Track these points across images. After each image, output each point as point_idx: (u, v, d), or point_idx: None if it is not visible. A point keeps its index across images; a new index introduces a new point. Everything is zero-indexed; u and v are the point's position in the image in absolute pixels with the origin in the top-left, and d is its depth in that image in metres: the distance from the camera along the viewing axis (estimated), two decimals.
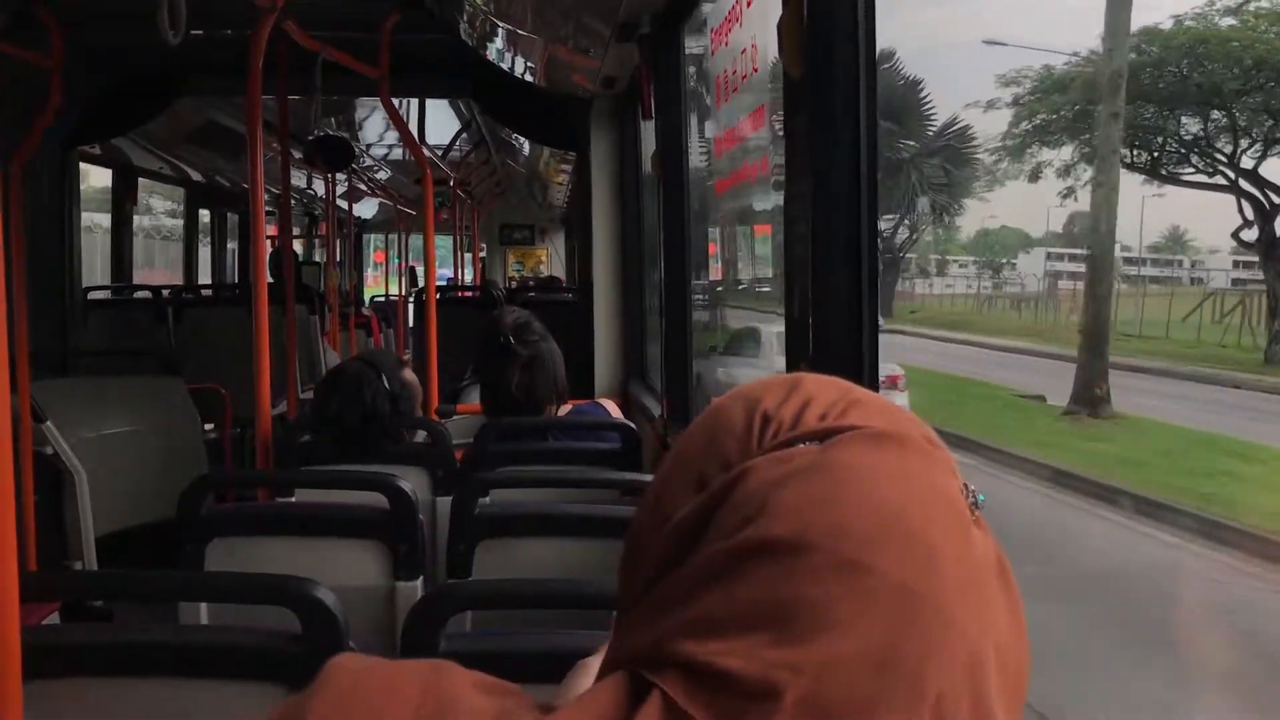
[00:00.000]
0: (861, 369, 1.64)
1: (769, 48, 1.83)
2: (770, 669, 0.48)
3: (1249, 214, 11.46)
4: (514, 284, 13.48)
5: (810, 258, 1.68)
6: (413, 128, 6.38)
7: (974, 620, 0.51)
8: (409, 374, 2.76)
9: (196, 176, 8.07)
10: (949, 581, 0.50)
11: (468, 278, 12.16)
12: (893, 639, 0.48)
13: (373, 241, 16.83)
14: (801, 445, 0.54)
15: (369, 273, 17.51)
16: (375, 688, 0.57)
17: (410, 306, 9.00)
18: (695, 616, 0.50)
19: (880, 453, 0.54)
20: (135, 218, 7.09)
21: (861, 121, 1.64)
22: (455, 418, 3.30)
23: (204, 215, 9.00)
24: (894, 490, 0.52)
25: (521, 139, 6.83)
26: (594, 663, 0.81)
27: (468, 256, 12.71)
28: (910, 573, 0.50)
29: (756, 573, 0.50)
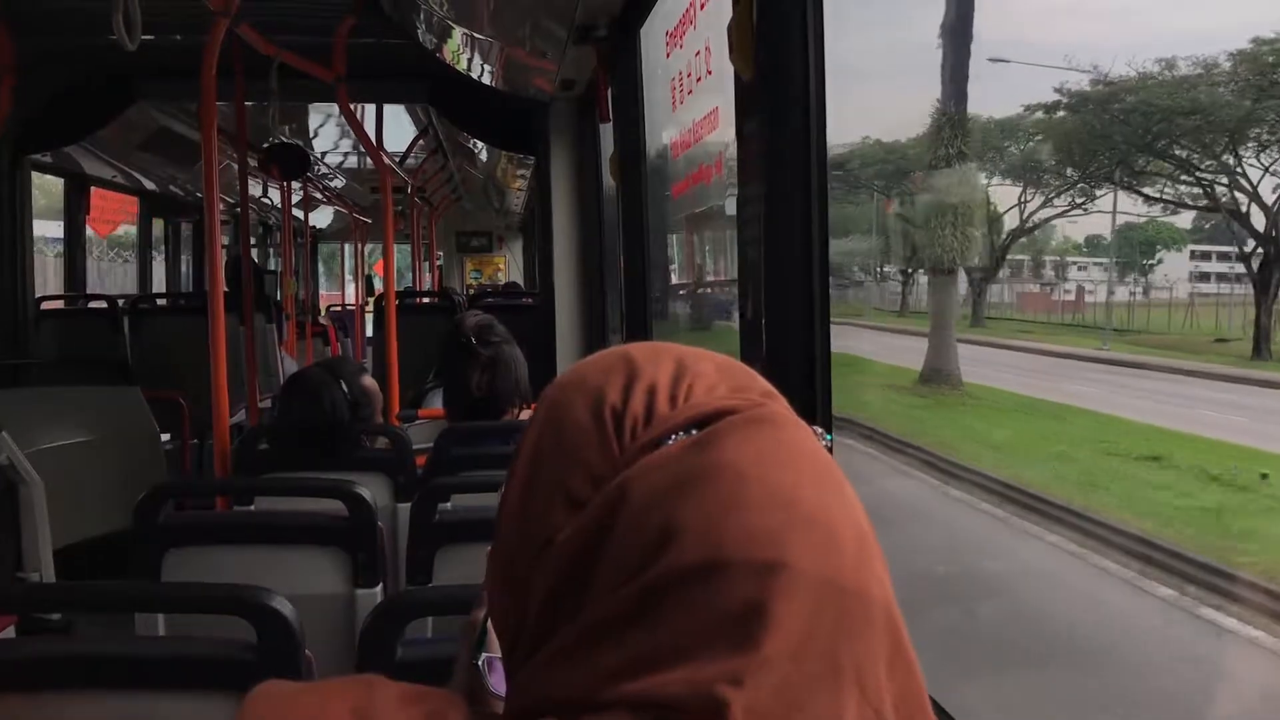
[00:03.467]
0: (814, 370, 1.65)
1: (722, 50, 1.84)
2: (712, 685, 0.48)
3: None
4: (472, 290, 13.43)
5: (763, 259, 1.69)
6: (369, 134, 6.35)
7: (876, 582, 0.53)
8: (369, 380, 2.75)
9: (151, 185, 7.98)
10: (850, 553, 0.52)
11: (426, 286, 12.09)
12: (821, 624, 0.50)
13: (360, 252, 16.45)
14: (670, 441, 0.54)
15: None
16: (304, 713, 0.57)
17: (368, 315, 8.96)
18: (627, 658, 0.50)
19: (757, 441, 0.53)
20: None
21: (812, 122, 1.66)
22: (417, 423, 3.29)
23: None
24: (785, 478, 0.52)
25: (479, 144, 6.81)
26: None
27: (425, 264, 12.64)
28: (820, 559, 0.51)
29: (680, 601, 0.50)
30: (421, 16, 3.37)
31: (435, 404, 3.25)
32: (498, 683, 0.67)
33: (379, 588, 2.13)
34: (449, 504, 2.18)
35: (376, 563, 2.12)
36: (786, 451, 0.54)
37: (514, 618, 0.56)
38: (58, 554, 3.20)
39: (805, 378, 1.64)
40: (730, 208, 1.93)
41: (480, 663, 0.69)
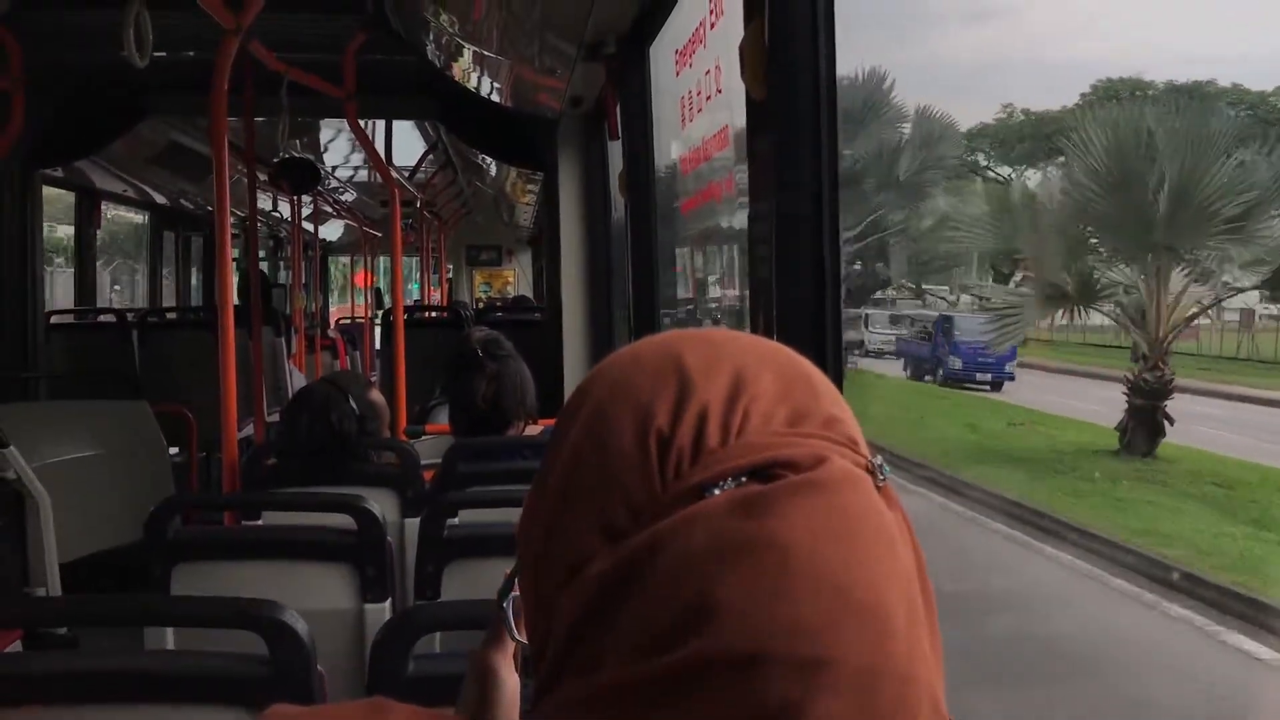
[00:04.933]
0: None
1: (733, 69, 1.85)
2: None
3: None
4: (481, 304, 13.47)
5: (774, 277, 1.69)
6: (379, 149, 6.38)
7: (923, 661, 0.50)
8: (376, 395, 2.75)
9: (161, 199, 8.01)
10: (902, 639, 0.49)
11: (435, 299, 12.12)
12: (863, 718, 0.47)
13: (354, 264, 16.26)
14: (715, 491, 0.50)
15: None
16: None
17: (376, 328, 8.97)
18: None
19: (813, 512, 0.49)
20: None
21: (823, 141, 1.66)
22: (424, 438, 3.29)
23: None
24: (838, 559, 0.49)
25: (488, 159, 6.83)
26: (495, 659, 0.78)
27: (434, 278, 12.68)
28: (870, 650, 0.48)
29: (713, 689, 0.47)
30: (431, 34, 3.38)
31: (441, 420, 3.25)
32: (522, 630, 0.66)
33: (387, 603, 2.13)
34: (456, 519, 2.18)
35: (385, 578, 2.12)
36: (841, 523, 0.50)
37: (540, 628, 0.55)
38: (64, 568, 3.20)
39: None
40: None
41: (507, 604, 0.69)
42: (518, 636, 0.67)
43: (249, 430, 4.43)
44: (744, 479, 0.50)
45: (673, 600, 0.48)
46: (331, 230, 12.79)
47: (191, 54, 3.86)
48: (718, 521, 0.49)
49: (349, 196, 9.77)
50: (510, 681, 0.78)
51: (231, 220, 6.03)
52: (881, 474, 0.54)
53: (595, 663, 0.50)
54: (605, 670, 0.49)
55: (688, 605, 0.48)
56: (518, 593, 0.64)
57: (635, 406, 0.54)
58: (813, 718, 0.46)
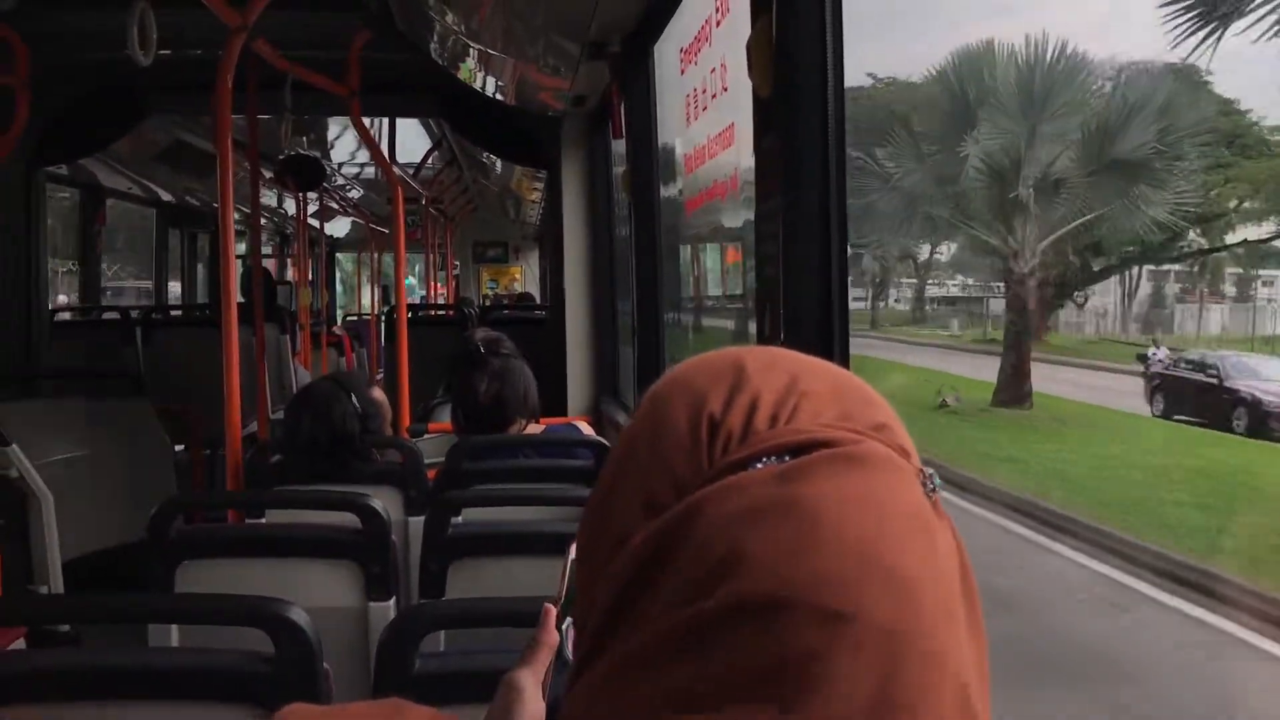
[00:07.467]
0: None
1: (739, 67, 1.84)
2: None
3: None
4: (488, 302, 13.47)
5: (781, 277, 1.69)
6: (383, 146, 6.38)
7: (954, 646, 0.49)
8: (378, 393, 2.75)
9: (167, 197, 8.02)
10: (929, 612, 0.49)
11: (440, 296, 12.12)
12: (883, 686, 0.46)
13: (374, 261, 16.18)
14: (758, 465, 0.52)
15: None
16: None
17: (383, 325, 8.97)
18: (673, 688, 0.47)
19: (847, 481, 0.50)
20: None
21: (830, 139, 1.66)
22: (428, 436, 3.29)
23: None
24: (867, 523, 0.49)
25: (493, 157, 6.84)
26: (525, 679, 0.78)
27: (441, 275, 12.69)
28: (893, 613, 0.48)
29: (733, 638, 0.47)
30: (434, 32, 3.38)
31: (444, 418, 3.25)
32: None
33: (391, 601, 2.12)
34: (460, 517, 2.18)
35: (389, 576, 2.12)
36: (874, 496, 0.51)
37: (585, 609, 0.55)
38: (67, 566, 3.20)
39: None
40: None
41: (564, 628, 0.69)
42: (569, 657, 0.67)
43: (254, 428, 4.44)
44: (786, 456, 0.52)
45: (703, 560, 0.49)
46: (339, 227, 12.80)
47: (196, 52, 3.86)
48: (754, 490, 0.50)
49: (355, 193, 9.77)
50: (536, 703, 0.78)
51: (236, 217, 6.05)
52: (931, 483, 0.54)
53: (632, 631, 0.50)
54: (639, 635, 0.50)
55: (719, 559, 0.49)
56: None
57: (691, 396, 0.56)
58: (833, 669, 0.46)
